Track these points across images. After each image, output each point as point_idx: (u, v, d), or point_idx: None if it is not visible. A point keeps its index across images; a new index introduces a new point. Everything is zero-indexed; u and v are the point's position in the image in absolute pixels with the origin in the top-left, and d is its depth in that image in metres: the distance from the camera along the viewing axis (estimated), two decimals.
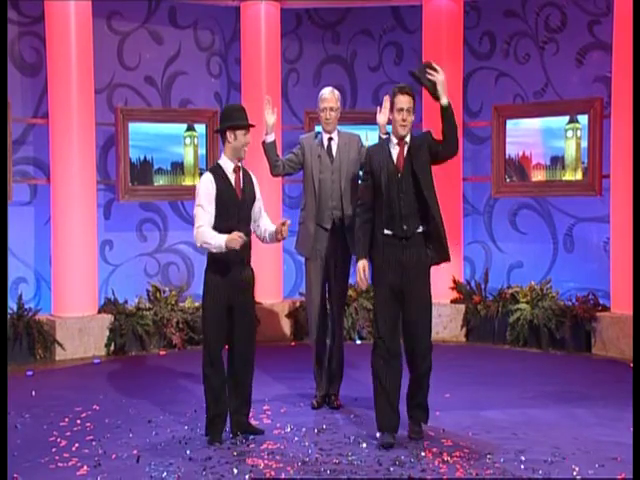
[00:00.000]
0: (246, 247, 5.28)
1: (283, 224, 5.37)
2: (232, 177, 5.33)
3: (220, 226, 5.24)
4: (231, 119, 5.33)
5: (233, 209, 5.29)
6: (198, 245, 5.30)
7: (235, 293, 5.32)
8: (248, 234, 5.33)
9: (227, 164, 5.34)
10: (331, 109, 6.25)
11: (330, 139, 6.31)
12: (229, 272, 5.29)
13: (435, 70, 5.25)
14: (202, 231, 5.22)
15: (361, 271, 5.35)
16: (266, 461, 5.05)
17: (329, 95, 6.28)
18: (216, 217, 5.26)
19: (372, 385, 5.40)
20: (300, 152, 6.34)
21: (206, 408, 5.43)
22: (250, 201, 5.41)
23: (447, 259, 5.39)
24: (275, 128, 6.25)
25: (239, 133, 5.29)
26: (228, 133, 5.30)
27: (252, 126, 5.36)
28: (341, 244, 6.24)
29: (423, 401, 5.48)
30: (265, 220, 5.56)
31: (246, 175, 5.43)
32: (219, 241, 5.15)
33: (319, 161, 6.27)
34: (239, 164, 5.36)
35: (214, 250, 5.20)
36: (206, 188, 5.26)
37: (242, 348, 5.40)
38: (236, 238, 5.10)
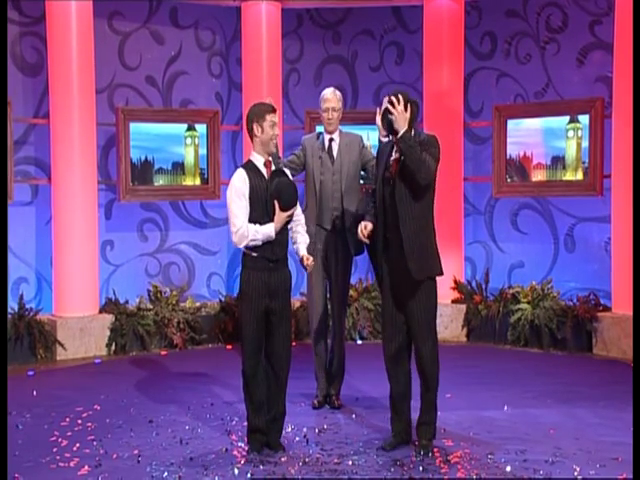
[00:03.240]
0: (278, 247, 5.12)
1: (307, 261, 5.22)
2: (264, 171, 5.16)
3: (254, 222, 5.08)
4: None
5: (266, 204, 5.09)
6: (242, 245, 5.08)
7: (267, 299, 5.11)
8: (284, 231, 5.15)
9: (257, 159, 5.18)
10: (333, 109, 6.25)
11: (331, 140, 6.31)
12: (259, 278, 5.10)
13: (393, 106, 5.04)
14: (243, 231, 5.04)
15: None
16: (266, 461, 5.04)
17: (331, 95, 6.27)
18: (251, 213, 5.10)
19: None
20: (302, 153, 6.34)
21: (247, 417, 5.26)
22: None
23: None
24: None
25: (265, 125, 5.12)
26: (255, 126, 5.15)
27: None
28: (342, 244, 6.25)
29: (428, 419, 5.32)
30: (299, 229, 5.35)
31: (279, 169, 5.27)
32: (267, 231, 5.03)
33: (320, 162, 6.27)
34: (270, 158, 5.20)
35: (262, 242, 5.06)
36: (239, 186, 5.09)
37: (278, 356, 5.18)
38: (282, 219, 5.04)
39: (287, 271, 5.25)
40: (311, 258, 5.28)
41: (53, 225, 8.36)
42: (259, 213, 5.10)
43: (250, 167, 5.19)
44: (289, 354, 5.25)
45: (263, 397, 5.23)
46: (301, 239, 5.36)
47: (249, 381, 5.18)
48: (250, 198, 5.11)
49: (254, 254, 5.12)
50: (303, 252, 5.31)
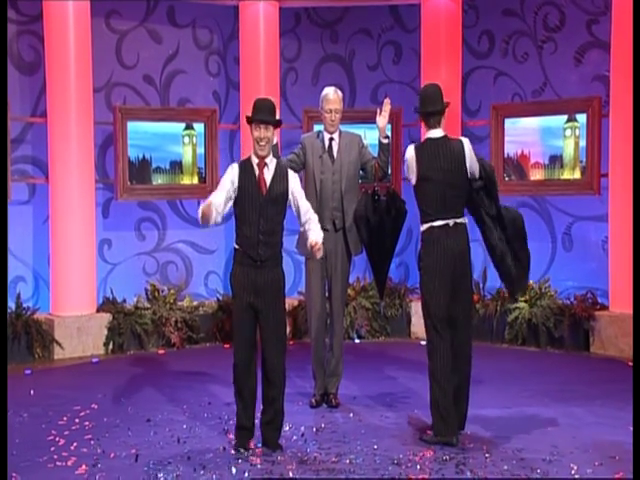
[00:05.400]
0: (263, 248, 5.14)
1: (314, 245, 5.18)
2: (256, 171, 5.18)
3: (242, 218, 5.16)
4: (251, 113, 5.23)
5: (254, 203, 5.13)
6: (200, 219, 5.11)
7: (253, 296, 5.14)
8: (272, 232, 5.16)
9: (253, 158, 5.22)
10: (336, 111, 6.24)
11: (331, 139, 6.30)
12: (245, 274, 5.15)
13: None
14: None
15: None
16: (264, 460, 5.05)
17: (334, 97, 6.25)
18: (239, 208, 5.16)
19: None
20: (302, 152, 6.32)
21: (236, 412, 5.28)
22: (279, 199, 5.19)
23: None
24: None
25: (252, 127, 5.18)
26: (250, 128, 5.23)
27: (259, 121, 5.15)
28: (341, 244, 6.25)
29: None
30: (312, 226, 5.31)
31: (279, 172, 5.24)
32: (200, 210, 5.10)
33: (320, 162, 6.26)
34: (264, 160, 5.19)
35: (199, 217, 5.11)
36: (227, 174, 5.18)
37: (268, 355, 5.20)
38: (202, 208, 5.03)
39: (278, 271, 5.23)
40: (319, 244, 5.18)
41: (50, 224, 8.35)
42: (249, 211, 5.14)
43: (245, 165, 5.23)
44: (280, 356, 5.22)
45: (253, 394, 5.24)
46: (312, 233, 5.29)
47: (237, 376, 5.21)
48: (238, 195, 5.16)
49: (240, 249, 5.19)
50: (312, 238, 5.22)
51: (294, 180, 5.31)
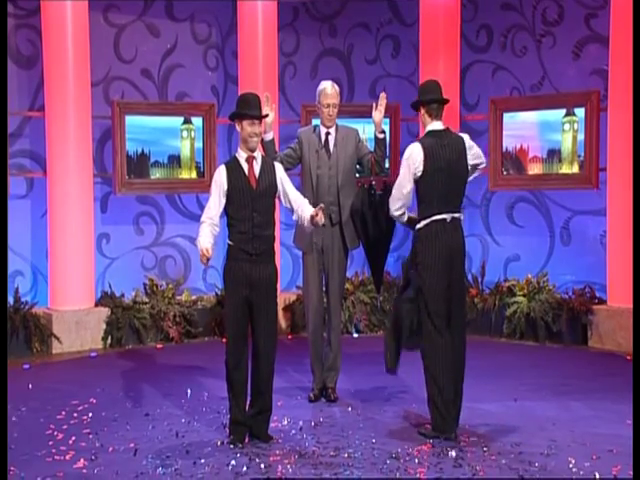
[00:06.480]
0: (258, 242, 5.18)
1: (317, 214, 5.18)
2: (245, 167, 5.23)
3: (235, 215, 5.20)
4: (237, 109, 5.28)
5: (246, 199, 5.18)
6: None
7: (248, 290, 5.17)
8: (267, 226, 5.22)
9: (241, 155, 5.26)
10: (333, 105, 6.23)
11: (328, 134, 6.29)
12: (240, 268, 5.18)
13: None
14: (200, 228, 5.21)
15: None
16: (262, 454, 5.05)
17: (331, 91, 6.24)
18: (231, 207, 5.21)
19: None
20: (298, 147, 6.32)
21: (229, 408, 5.33)
22: (269, 191, 5.26)
23: None
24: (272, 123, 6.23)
25: (244, 123, 5.21)
26: (236, 123, 5.26)
27: (256, 117, 5.22)
28: (338, 238, 6.25)
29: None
30: (303, 207, 5.35)
31: (266, 165, 5.31)
32: (199, 244, 5.15)
33: (317, 156, 6.25)
34: (253, 154, 5.25)
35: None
36: (215, 180, 5.26)
37: (261, 349, 5.24)
38: (201, 254, 5.06)
39: (272, 266, 5.28)
40: (319, 212, 5.18)
41: (49, 218, 8.35)
42: (238, 207, 5.19)
43: (232, 164, 5.27)
44: (271, 351, 5.27)
45: (245, 389, 5.27)
46: (308, 208, 5.31)
47: (230, 371, 5.25)
48: (229, 195, 5.19)
49: (235, 245, 5.20)
50: (311, 211, 5.23)
51: (280, 169, 5.38)
